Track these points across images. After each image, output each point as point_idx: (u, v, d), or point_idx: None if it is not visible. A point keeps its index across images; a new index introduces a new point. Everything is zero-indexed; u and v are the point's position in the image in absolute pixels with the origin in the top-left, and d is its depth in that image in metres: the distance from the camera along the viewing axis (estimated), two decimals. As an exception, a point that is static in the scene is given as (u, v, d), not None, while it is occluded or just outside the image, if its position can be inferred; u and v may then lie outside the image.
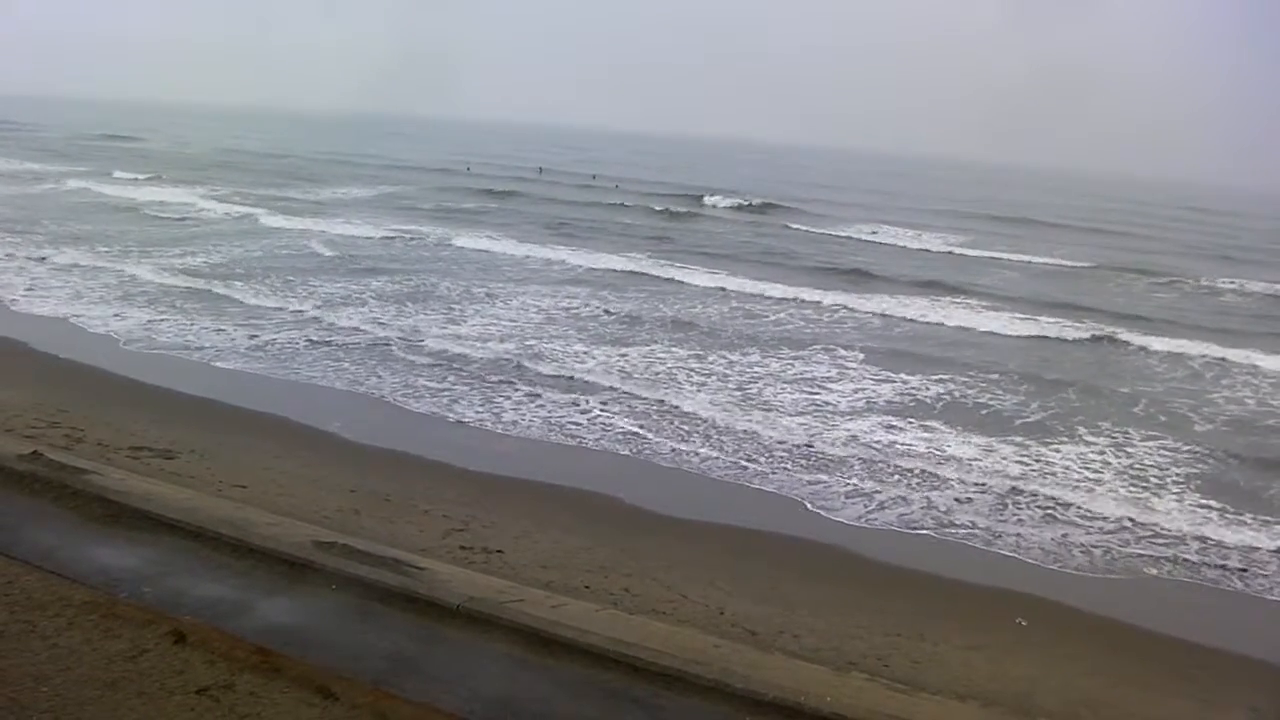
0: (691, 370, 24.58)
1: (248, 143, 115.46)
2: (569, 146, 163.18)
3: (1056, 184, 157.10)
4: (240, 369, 22.61)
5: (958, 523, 16.36)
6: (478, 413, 20.32)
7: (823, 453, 19.20)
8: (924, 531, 16.02)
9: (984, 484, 18.03)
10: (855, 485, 17.69)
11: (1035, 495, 17.62)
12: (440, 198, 66.90)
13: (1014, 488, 17.89)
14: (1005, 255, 54.82)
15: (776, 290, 37.18)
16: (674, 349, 26.74)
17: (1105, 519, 16.85)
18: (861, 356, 27.35)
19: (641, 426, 19.90)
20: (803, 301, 35.61)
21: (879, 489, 17.57)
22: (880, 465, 18.71)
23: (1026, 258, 54.12)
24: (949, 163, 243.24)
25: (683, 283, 38.11)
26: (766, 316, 32.97)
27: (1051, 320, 35.01)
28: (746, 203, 74.11)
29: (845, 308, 34.83)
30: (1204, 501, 17.89)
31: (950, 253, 55.40)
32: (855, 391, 23.76)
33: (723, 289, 37.26)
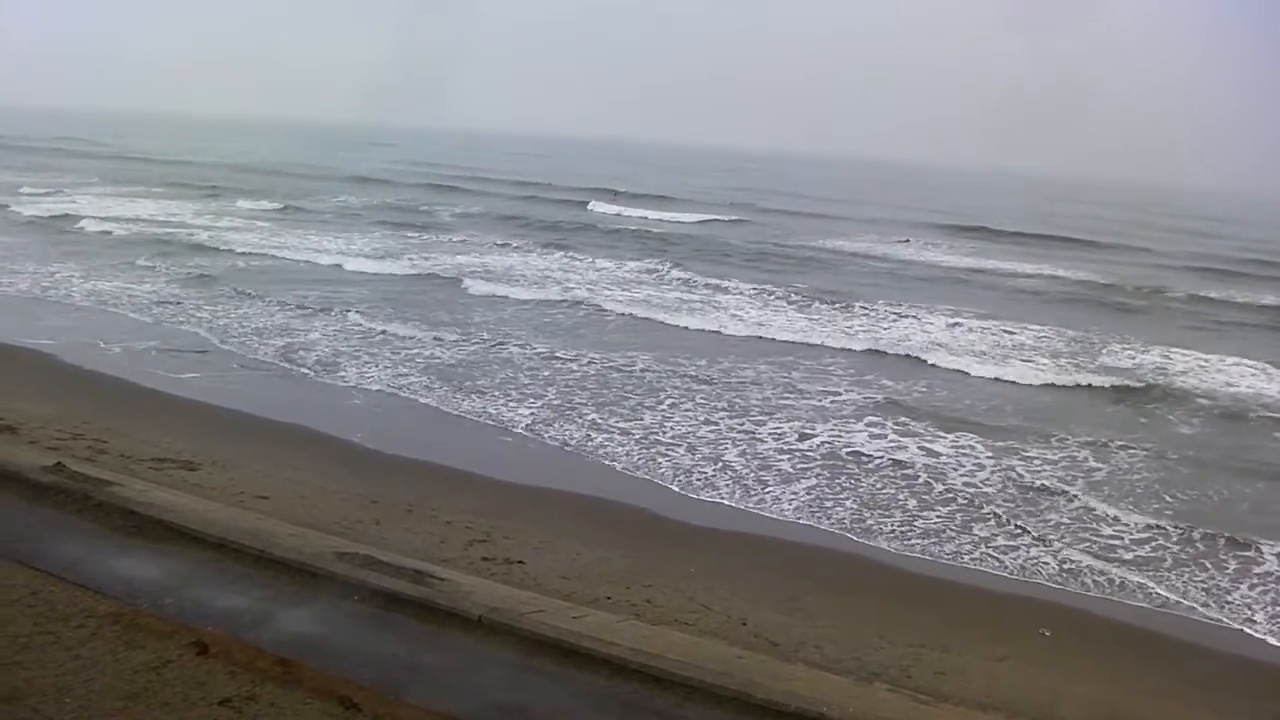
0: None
1: (196, 153, 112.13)
2: (538, 156, 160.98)
3: (1069, 192, 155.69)
4: (267, 376, 22.73)
5: (980, 531, 16.22)
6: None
7: (842, 461, 19.14)
8: (946, 540, 15.87)
9: (1003, 492, 17.90)
10: (875, 495, 17.58)
11: (1060, 501, 17.48)
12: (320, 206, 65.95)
13: (1034, 494, 17.76)
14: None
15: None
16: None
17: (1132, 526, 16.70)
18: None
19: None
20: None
21: (898, 499, 17.47)
22: (892, 474, 18.61)
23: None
24: (967, 170, 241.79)
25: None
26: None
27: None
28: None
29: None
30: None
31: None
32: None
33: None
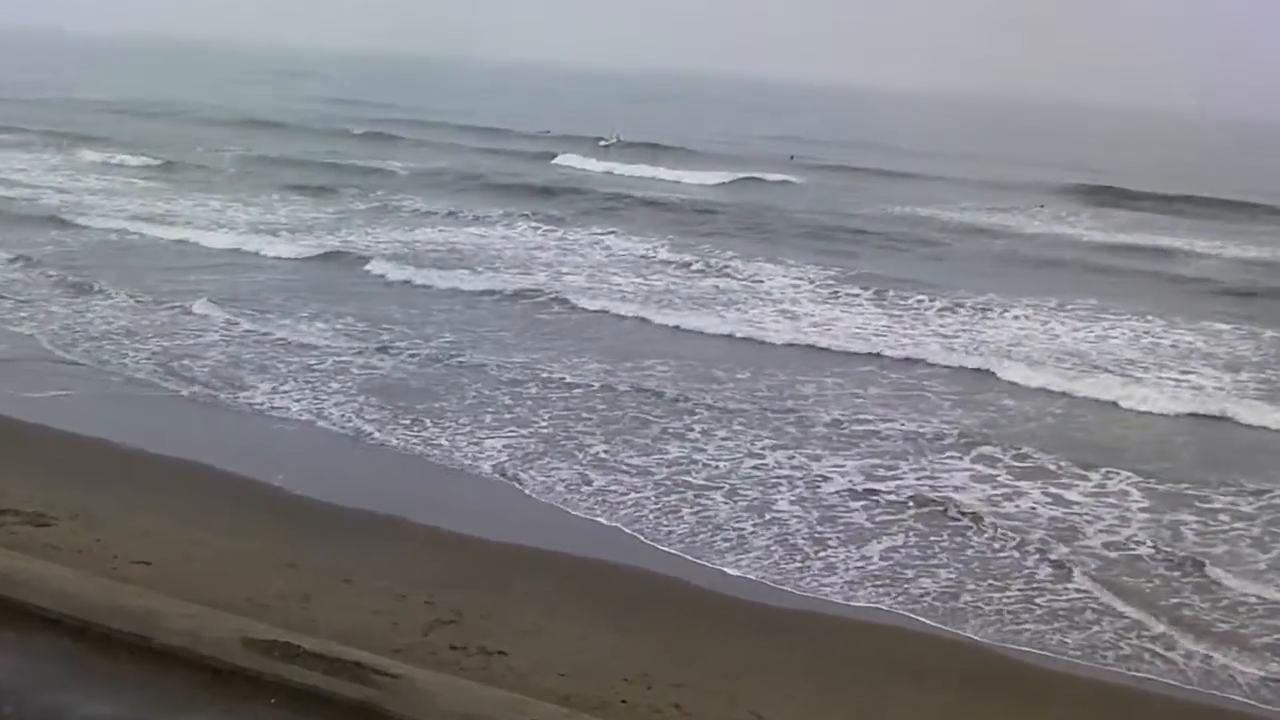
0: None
1: (71, 86, 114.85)
2: (513, 91, 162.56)
3: (1239, 137, 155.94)
4: (145, 396, 22.78)
5: (1130, 613, 16.01)
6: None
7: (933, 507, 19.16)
8: (1080, 626, 15.70)
9: (1166, 558, 17.77)
10: (983, 561, 17.48)
11: (1249, 577, 17.29)
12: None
13: (1211, 564, 17.58)
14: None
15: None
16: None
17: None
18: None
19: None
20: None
21: (1021, 566, 17.38)
22: (1005, 530, 18.54)
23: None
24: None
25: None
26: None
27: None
28: None
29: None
30: None
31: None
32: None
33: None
